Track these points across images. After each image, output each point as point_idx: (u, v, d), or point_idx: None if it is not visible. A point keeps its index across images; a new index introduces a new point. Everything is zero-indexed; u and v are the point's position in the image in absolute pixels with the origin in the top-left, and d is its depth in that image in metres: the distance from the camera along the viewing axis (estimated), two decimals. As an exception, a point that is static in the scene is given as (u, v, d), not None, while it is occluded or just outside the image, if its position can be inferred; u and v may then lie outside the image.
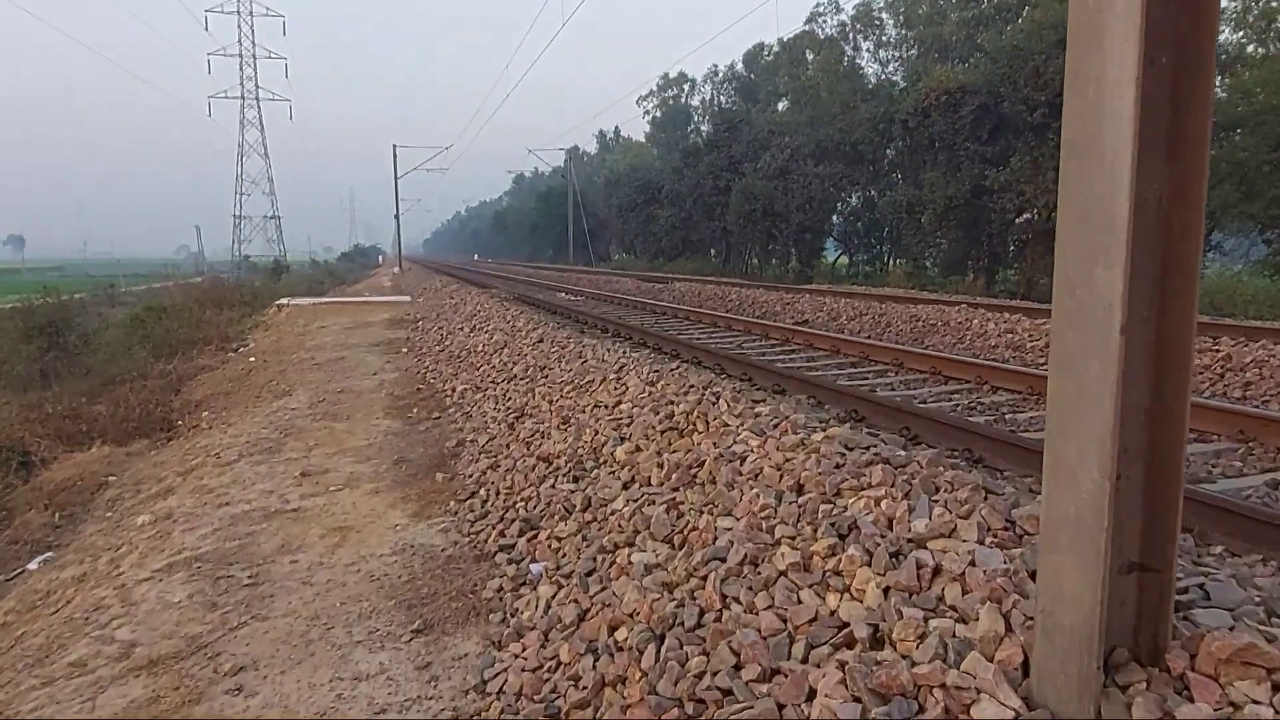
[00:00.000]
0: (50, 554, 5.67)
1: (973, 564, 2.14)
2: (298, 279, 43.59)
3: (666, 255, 49.03)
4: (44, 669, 3.44)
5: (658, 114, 75.11)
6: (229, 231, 78.36)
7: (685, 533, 3.15)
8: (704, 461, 3.64)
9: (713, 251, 48.31)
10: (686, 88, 72.94)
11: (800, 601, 2.36)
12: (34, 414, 9.61)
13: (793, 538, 2.68)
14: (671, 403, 4.53)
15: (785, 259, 40.89)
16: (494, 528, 4.36)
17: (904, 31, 43.63)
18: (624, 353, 6.36)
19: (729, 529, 2.96)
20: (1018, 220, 26.47)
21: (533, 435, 5.43)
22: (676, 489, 3.55)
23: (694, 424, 4.14)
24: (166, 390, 12.88)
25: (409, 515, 4.90)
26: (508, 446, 5.60)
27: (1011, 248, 28.63)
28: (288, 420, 7.82)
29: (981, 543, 2.26)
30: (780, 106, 54.31)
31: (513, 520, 4.28)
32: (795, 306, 14.00)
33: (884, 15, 44.94)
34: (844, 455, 3.14)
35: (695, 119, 72.11)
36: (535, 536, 4.00)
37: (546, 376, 6.62)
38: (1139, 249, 1.47)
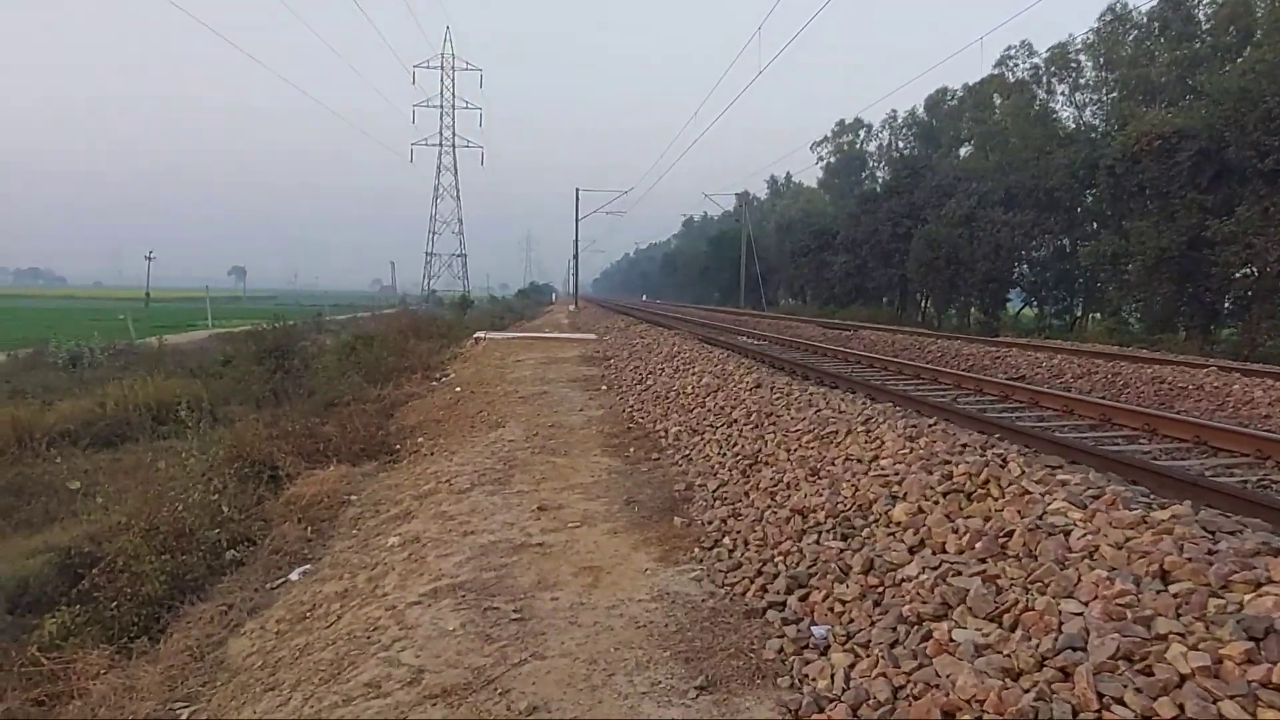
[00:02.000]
0: (308, 566, 6.03)
1: None
2: (481, 313, 45.96)
3: (839, 302, 48.05)
4: (341, 686, 3.57)
5: (832, 160, 74.26)
6: (418, 267, 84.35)
7: (1015, 612, 2.84)
8: (1012, 531, 3.32)
9: (884, 299, 46.86)
10: (862, 134, 71.73)
11: (1224, 716, 2.02)
12: (276, 431, 10.45)
13: (1182, 634, 2.33)
14: (947, 462, 4.22)
15: (966, 308, 38.92)
16: (751, 580, 4.19)
17: (1104, 74, 40.90)
18: (866, 404, 6.06)
19: (1077, 614, 2.63)
20: (1239, 275, 23.98)
21: (776, 485, 5.25)
22: (984, 560, 3.24)
23: (984, 488, 3.82)
24: (381, 415, 13.75)
25: (654, 559, 4.82)
26: (746, 495, 5.45)
27: (1227, 304, 26.00)
28: (508, 452, 8.05)
29: None
30: (962, 152, 52.39)
31: (774, 575, 4.09)
32: (1006, 361, 13.12)
33: (1082, 57, 42.29)
34: (1212, 539, 2.74)
35: (871, 165, 70.74)
36: (807, 596, 3.79)
37: (775, 424, 6.44)
38: None
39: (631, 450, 7.80)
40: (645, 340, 16.62)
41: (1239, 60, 31.13)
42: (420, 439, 11.16)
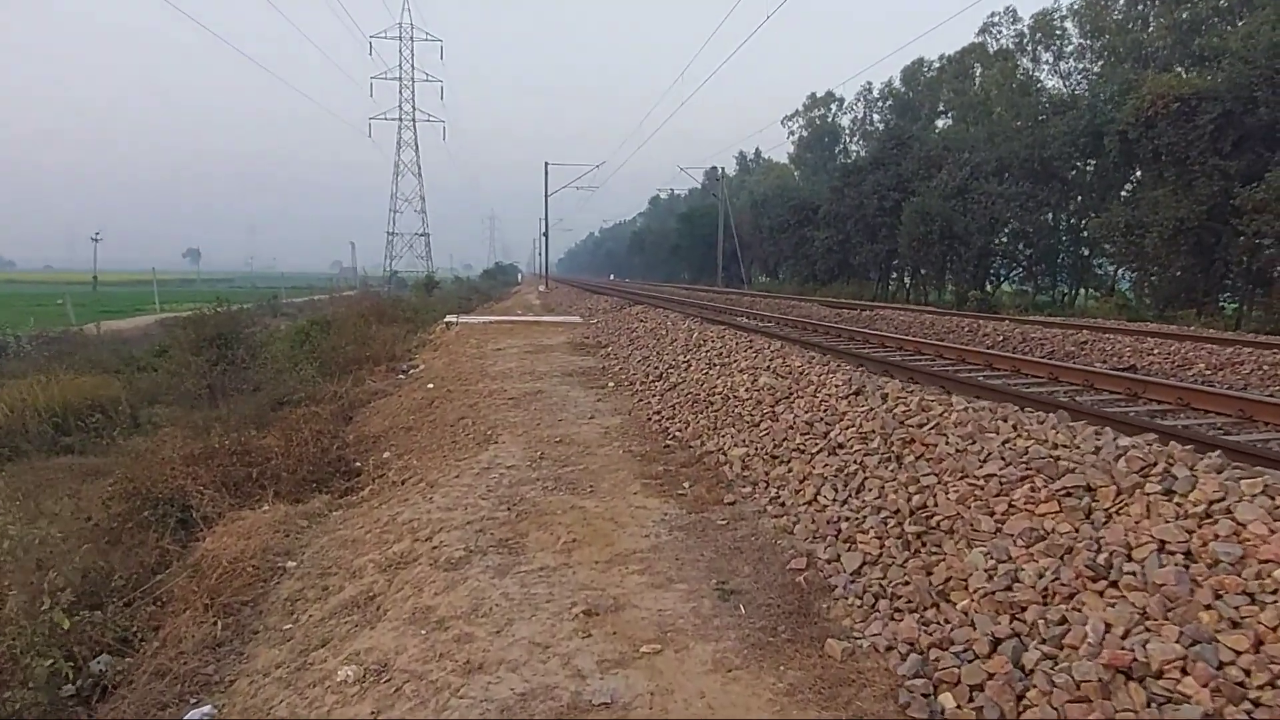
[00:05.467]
0: (208, 710, 3.73)
1: None
2: (447, 295, 43.34)
3: (820, 279, 46.26)
4: None
5: (804, 134, 72.79)
6: (380, 247, 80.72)
7: None
8: None
9: (869, 276, 45.00)
10: (834, 107, 70.35)
11: None
12: (199, 449, 8.03)
13: None
14: None
15: (959, 284, 37.13)
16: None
17: (1090, 41, 39.47)
18: (1101, 435, 3.85)
19: None
20: (1270, 245, 22.46)
21: (1006, 588, 3.04)
22: None
23: None
24: (338, 418, 11.35)
25: (831, 748, 2.61)
26: (944, 597, 3.25)
27: (1237, 277, 24.76)
28: (511, 488, 5.77)
29: None
30: (940, 124, 51.00)
31: None
32: (1096, 346, 11.00)
33: (1068, 24, 40.80)
34: None
35: (845, 139, 69.44)
36: None
37: (933, 461, 4.24)
38: None
39: (686, 486, 5.55)
40: (646, 324, 14.32)
41: (1241, 23, 29.61)
42: (386, 454, 8.84)
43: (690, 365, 9.03)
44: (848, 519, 4.21)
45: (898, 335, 13.14)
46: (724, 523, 4.77)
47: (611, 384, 10.12)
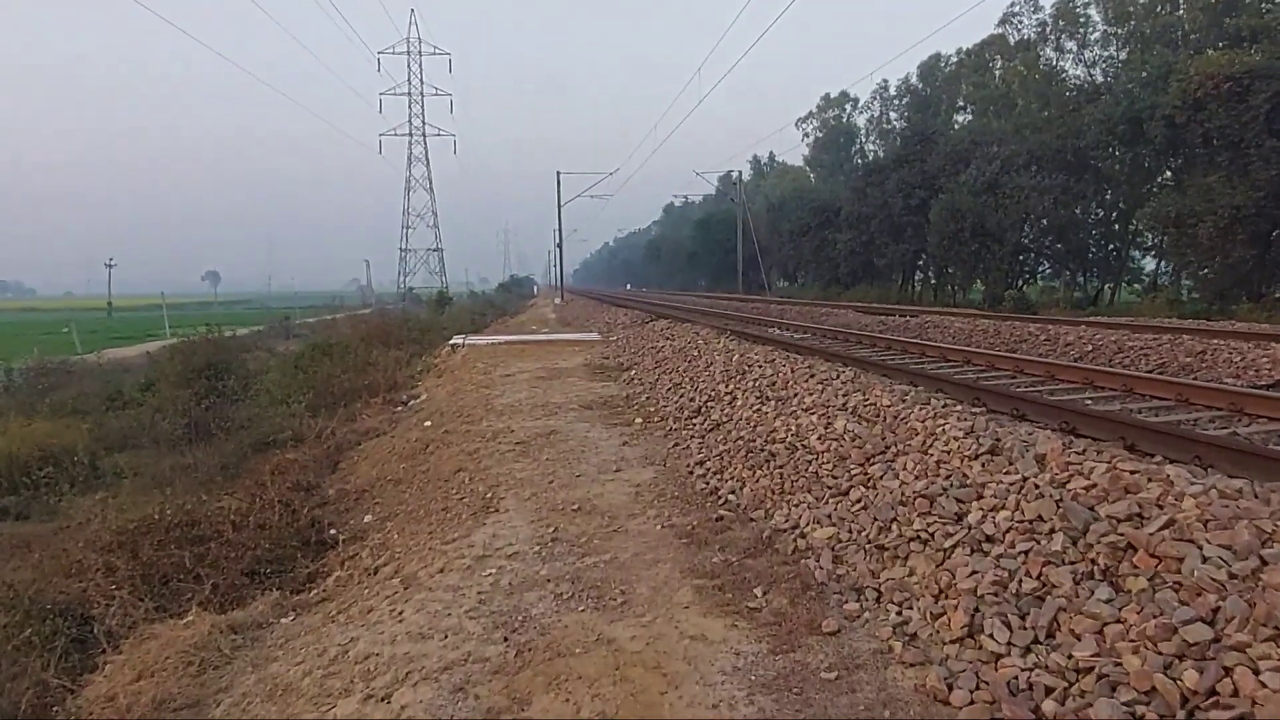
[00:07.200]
0: None
1: None
2: (460, 310, 41.99)
3: (843, 282, 44.64)
4: None
5: (818, 135, 71.41)
6: (394, 264, 79.74)
7: None
8: None
9: (892, 278, 43.23)
10: (849, 107, 68.93)
11: None
12: (132, 523, 6.46)
13: None
14: None
15: (989, 283, 35.25)
16: None
17: (1115, 27, 37.76)
18: None
19: None
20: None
21: None
22: None
23: None
24: (322, 464, 9.80)
25: None
26: None
27: None
28: (510, 596, 4.14)
29: None
30: (959, 119, 49.42)
31: None
32: (1219, 357, 9.15)
33: (1091, 10, 39.06)
34: None
35: (860, 139, 68.00)
36: None
37: (1179, 589, 2.60)
38: None
39: (759, 592, 3.89)
40: (673, 343, 12.66)
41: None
42: (368, 517, 7.27)
43: (735, 398, 7.37)
44: (1050, 690, 2.55)
45: (960, 346, 11.42)
46: (832, 675, 3.10)
47: (639, 420, 8.48)
